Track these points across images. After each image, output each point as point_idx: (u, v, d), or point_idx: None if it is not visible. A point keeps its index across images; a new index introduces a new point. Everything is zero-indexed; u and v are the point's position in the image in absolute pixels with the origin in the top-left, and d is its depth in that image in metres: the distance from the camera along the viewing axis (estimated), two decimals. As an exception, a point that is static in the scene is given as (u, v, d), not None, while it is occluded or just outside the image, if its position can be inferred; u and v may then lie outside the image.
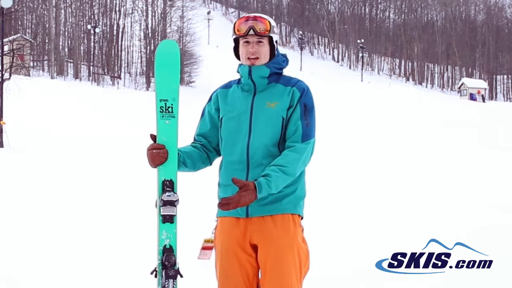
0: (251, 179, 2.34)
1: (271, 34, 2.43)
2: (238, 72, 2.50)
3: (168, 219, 2.37)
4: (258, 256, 2.37)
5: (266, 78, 2.43)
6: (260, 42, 2.42)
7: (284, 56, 2.53)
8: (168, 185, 2.38)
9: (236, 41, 2.48)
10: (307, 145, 2.36)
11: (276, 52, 2.48)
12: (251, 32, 2.39)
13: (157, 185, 2.39)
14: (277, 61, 2.47)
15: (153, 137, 2.40)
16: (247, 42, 2.42)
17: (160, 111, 2.40)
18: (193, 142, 2.58)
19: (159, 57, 2.43)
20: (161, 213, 2.37)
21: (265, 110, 2.40)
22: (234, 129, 2.42)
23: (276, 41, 2.48)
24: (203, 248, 2.48)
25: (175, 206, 2.38)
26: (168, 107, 2.41)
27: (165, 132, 2.40)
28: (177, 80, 2.44)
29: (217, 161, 2.59)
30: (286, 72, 2.54)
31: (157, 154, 2.36)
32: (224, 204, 2.20)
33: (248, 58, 2.42)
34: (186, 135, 2.59)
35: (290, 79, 2.48)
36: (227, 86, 2.56)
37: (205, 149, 2.55)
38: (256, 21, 2.41)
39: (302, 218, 2.44)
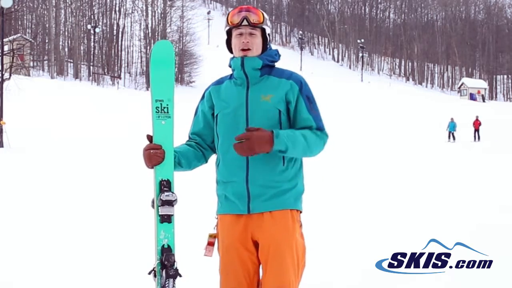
0: (251, 175, 2.33)
1: (264, 26, 2.41)
2: (230, 66, 2.47)
3: (166, 219, 2.36)
4: (259, 252, 2.35)
5: (259, 70, 2.40)
6: (253, 34, 2.39)
7: (276, 51, 2.51)
8: (165, 185, 2.36)
9: (229, 34, 2.46)
10: (323, 134, 2.39)
11: (268, 46, 2.46)
12: (245, 22, 2.37)
13: (154, 185, 2.38)
14: (269, 54, 2.44)
15: (149, 138, 2.39)
16: (240, 34, 2.40)
17: (156, 112, 2.39)
18: (187, 141, 2.56)
19: (154, 57, 2.41)
20: (159, 213, 2.35)
21: (261, 103, 2.36)
22: (230, 125, 2.38)
23: (268, 34, 2.45)
24: (209, 243, 2.45)
25: (173, 206, 2.36)
26: (164, 108, 2.40)
27: (161, 132, 2.39)
28: (172, 80, 2.42)
29: (213, 158, 2.56)
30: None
31: (154, 154, 2.34)
32: (237, 144, 2.19)
33: (241, 49, 2.39)
34: (185, 134, 2.57)
35: (283, 71, 2.45)
36: (219, 82, 2.53)
37: (200, 147, 2.53)
38: (249, 12, 2.39)
39: (301, 213, 2.43)
